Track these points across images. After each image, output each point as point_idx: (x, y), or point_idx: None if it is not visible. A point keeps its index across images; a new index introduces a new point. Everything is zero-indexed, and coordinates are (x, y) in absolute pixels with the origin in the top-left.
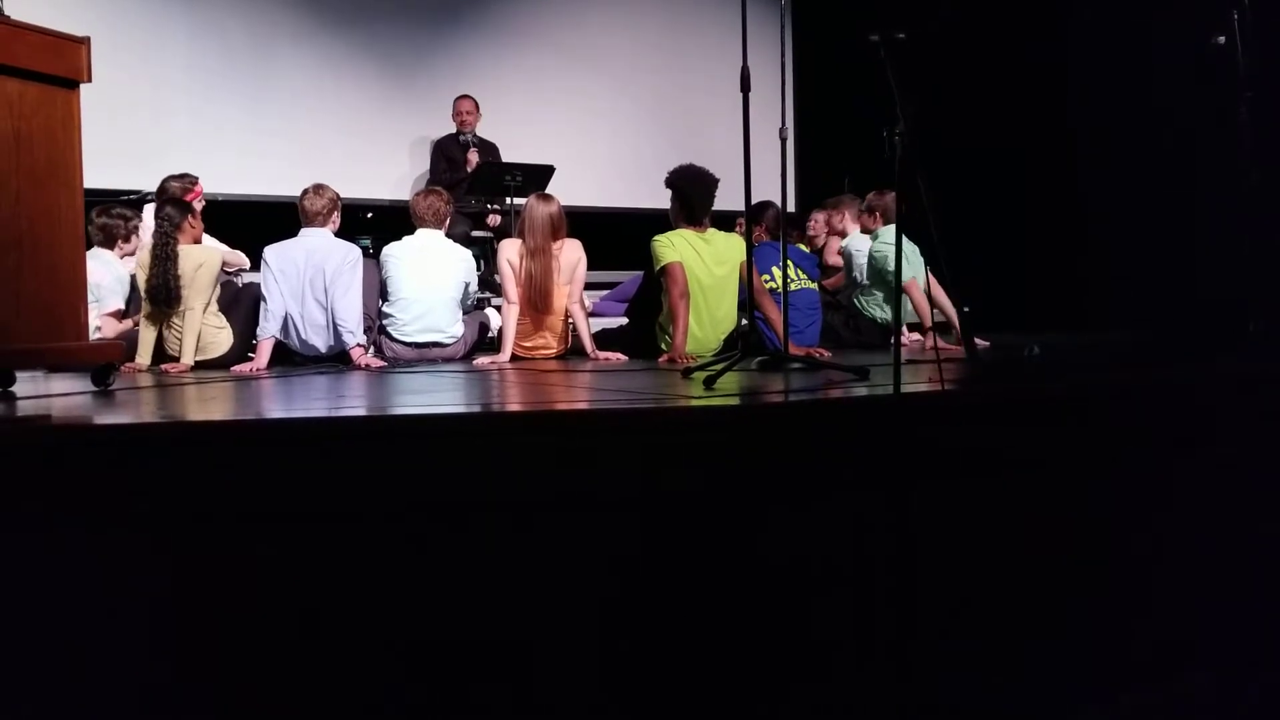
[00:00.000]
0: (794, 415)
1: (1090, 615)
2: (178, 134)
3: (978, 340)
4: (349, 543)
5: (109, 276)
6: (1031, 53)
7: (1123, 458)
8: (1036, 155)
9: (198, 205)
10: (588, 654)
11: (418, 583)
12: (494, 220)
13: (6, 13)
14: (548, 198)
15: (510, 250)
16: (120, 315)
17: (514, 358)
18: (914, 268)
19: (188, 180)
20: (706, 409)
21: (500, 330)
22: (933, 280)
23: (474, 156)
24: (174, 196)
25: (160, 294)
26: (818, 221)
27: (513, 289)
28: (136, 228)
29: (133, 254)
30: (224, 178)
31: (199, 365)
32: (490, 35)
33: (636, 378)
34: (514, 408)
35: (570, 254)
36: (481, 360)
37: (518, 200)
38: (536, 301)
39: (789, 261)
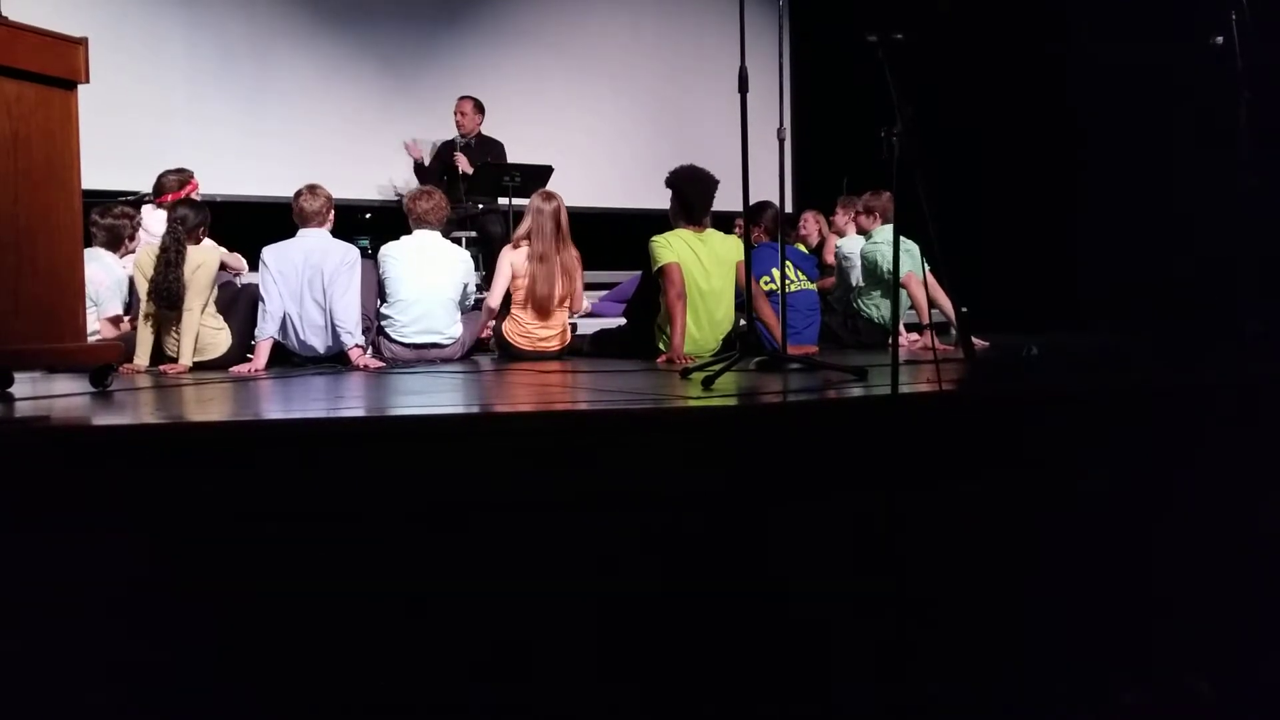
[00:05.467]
0: (792, 416)
1: (1090, 615)
2: (176, 135)
3: (976, 340)
4: (348, 543)
5: (108, 280)
6: (1030, 53)
7: (1122, 458)
8: (1035, 155)
9: (195, 197)
10: (587, 654)
11: (417, 582)
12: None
13: (4, 13)
14: (549, 195)
15: (516, 255)
16: (117, 320)
17: (518, 352)
18: (911, 263)
19: (184, 175)
20: (705, 409)
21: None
22: (931, 279)
23: (462, 161)
24: (189, 199)
25: (163, 296)
26: (808, 221)
27: (500, 289)
28: (139, 225)
29: (132, 254)
30: (222, 178)
31: (197, 366)
32: (489, 36)
33: (635, 378)
34: (512, 409)
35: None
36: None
37: (517, 201)
38: (541, 304)
39: (788, 262)
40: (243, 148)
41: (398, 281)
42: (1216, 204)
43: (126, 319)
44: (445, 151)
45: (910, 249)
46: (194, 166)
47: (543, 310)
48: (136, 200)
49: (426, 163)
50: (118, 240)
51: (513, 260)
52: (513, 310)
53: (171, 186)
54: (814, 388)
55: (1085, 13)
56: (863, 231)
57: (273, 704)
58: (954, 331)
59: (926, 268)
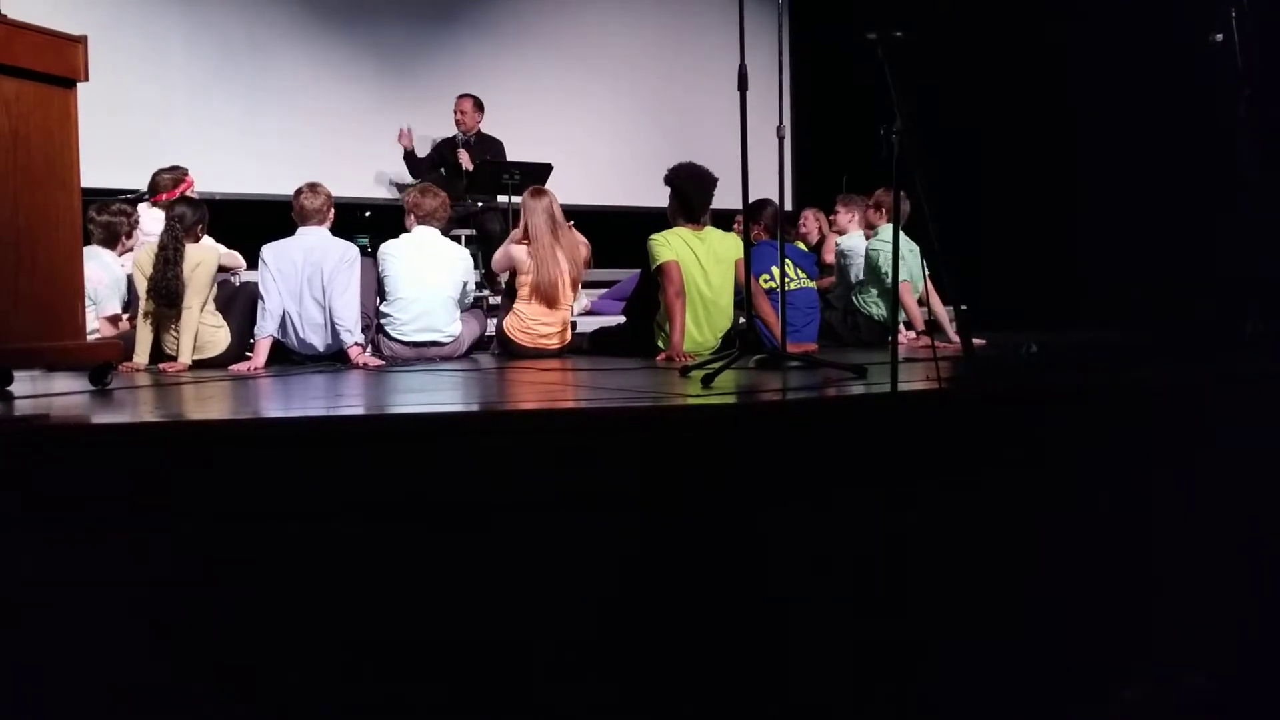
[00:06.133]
0: (791, 414)
1: (1089, 615)
2: (175, 133)
3: (974, 338)
4: (347, 543)
5: (106, 279)
6: (1031, 50)
7: (1121, 457)
8: (1035, 154)
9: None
10: (587, 654)
11: (417, 582)
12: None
13: (4, 12)
14: (539, 191)
15: (520, 249)
16: (116, 319)
17: (518, 350)
18: (908, 269)
19: (179, 172)
20: (704, 407)
21: (497, 327)
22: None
23: (464, 157)
24: (187, 197)
25: (162, 294)
26: (808, 219)
27: (501, 263)
28: (137, 223)
29: (131, 252)
30: (222, 176)
31: (196, 364)
32: (488, 34)
33: (634, 376)
34: (512, 407)
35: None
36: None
37: (517, 199)
38: (548, 293)
39: (788, 260)
40: (242, 146)
41: (397, 280)
42: (1216, 202)
43: (125, 317)
44: (446, 147)
45: (913, 249)
46: (193, 165)
47: (550, 299)
48: (135, 199)
49: (417, 153)
50: (115, 238)
51: (517, 254)
52: (515, 305)
53: (166, 185)
54: (813, 386)
55: (1085, 12)
56: (871, 227)
57: (273, 704)
58: (946, 330)
59: (926, 270)
